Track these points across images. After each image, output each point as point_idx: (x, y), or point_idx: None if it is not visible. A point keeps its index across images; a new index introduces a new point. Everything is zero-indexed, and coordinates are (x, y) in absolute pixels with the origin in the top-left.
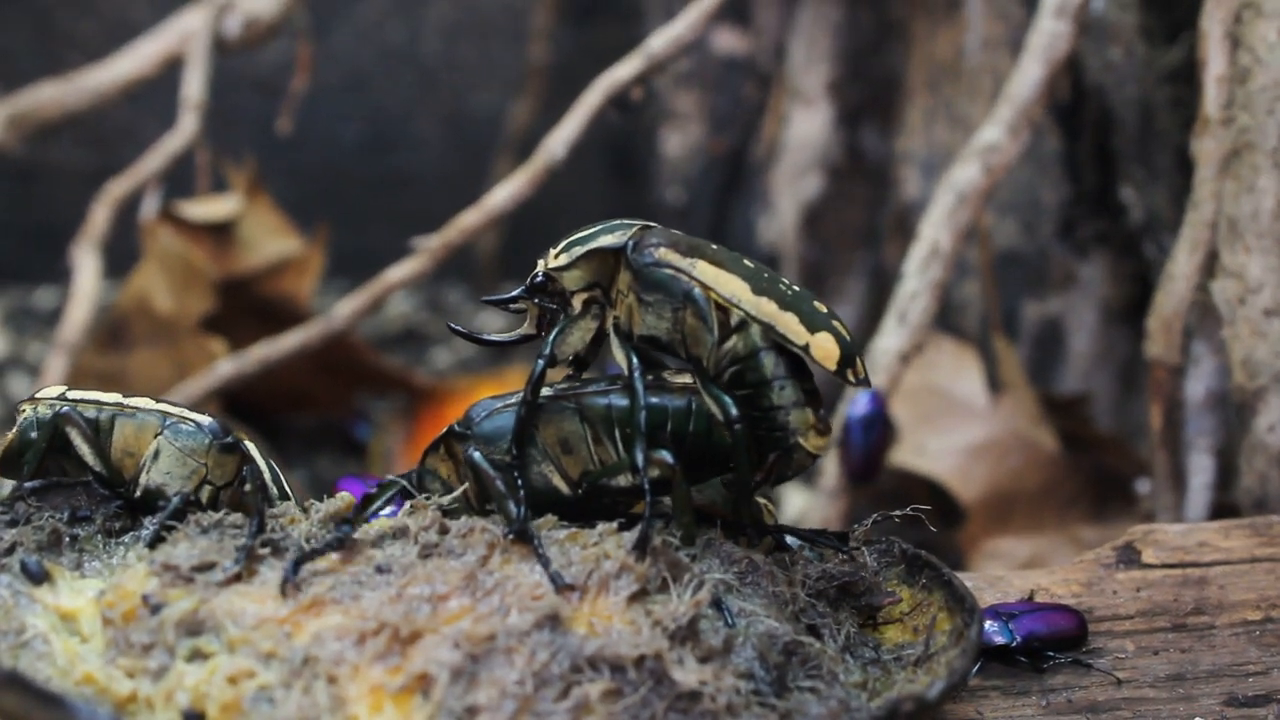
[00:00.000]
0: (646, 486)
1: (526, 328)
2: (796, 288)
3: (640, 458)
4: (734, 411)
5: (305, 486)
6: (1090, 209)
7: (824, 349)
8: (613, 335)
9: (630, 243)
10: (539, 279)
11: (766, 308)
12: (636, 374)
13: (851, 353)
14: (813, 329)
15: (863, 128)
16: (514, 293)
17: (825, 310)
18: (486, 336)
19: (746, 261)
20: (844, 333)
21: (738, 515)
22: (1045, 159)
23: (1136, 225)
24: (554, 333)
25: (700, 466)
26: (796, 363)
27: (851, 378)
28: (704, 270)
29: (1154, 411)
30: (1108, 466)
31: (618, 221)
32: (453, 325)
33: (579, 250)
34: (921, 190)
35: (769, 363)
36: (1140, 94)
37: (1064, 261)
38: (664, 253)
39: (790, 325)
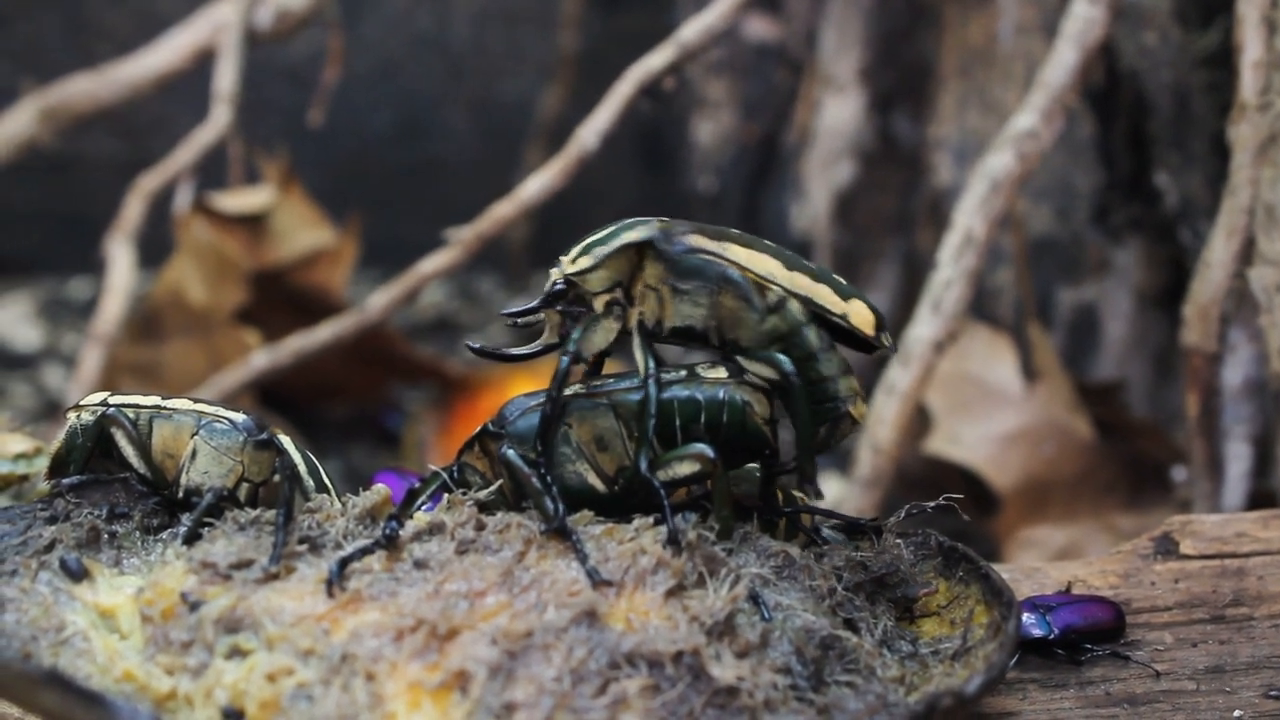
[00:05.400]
0: (658, 485)
1: (548, 337)
2: (817, 265)
3: (645, 462)
4: (790, 367)
5: (339, 478)
6: (1125, 195)
7: (861, 315)
8: (635, 335)
9: (659, 234)
10: (558, 286)
11: (801, 281)
12: (652, 377)
13: (883, 318)
14: (846, 298)
15: (895, 114)
16: (532, 304)
17: (848, 282)
18: (509, 351)
19: (768, 243)
20: (871, 301)
21: (801, 474)
22: (1079, 145)
23: (1172, 211)
24: (578, 331)
25: (735, 456)
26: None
27: (886, 342)
28: (736, 252)
29: (1191, 399)
30: (1144, 454)
31: (631, 220)
32: (471, 344)
33: (603, 250)
34: (954, 177)
35: (813, 335)
36: (1175, 79)
37: (1099, 248)
38: (695, 239)
39: (827, 296)
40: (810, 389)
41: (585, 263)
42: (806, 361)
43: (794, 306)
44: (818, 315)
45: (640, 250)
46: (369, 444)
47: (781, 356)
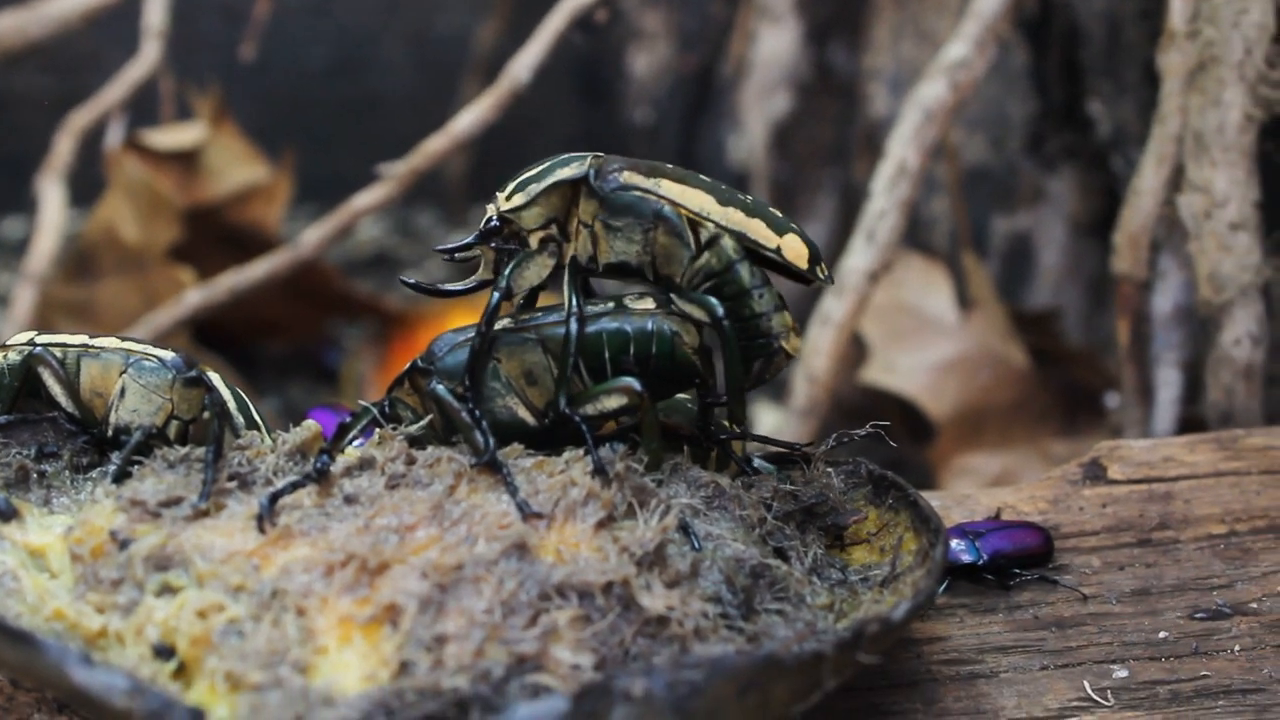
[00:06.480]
0: (579, 420)
1: (483, 273)
2: (752, 198)
3: (564, 399)
4: (720, 310)
5: (278, 415)
6: (1058, 124)
7: (794, 249)
8: (566, 272)
9: (591, 171)
10: (493, 223)
11: (735, 216)
12: (574, 314)
13: (817, 251)
14: (780, 232)
15: (831, 44)
16: (467, 240)
17: (783, 215)
18: (443, 287)
19: (703, 177)
20: (805, 233)
21: (730, 415)
22: (1013, 74)
23: (1104, 139)
24: (510, 266)
25: (665, 386)
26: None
27: (821, 275)
28: (669, 188)
29: (1121, 327)
30: (1077, 381)
31: (567, 155)
32: (405, 279)
33: (536, 187)
34: (889, 107)
35: (746, 272)
36: (1108, 7)
37: (1032, 177)
38: (628, 175)
39: (760, 230)
40: (742, 326)
41: (519, 200)
42: (739, 299)
43: (727, 243)
44: (751, 250)
45: (574, 187)
46: (308, 381)
47: (713, 300)
